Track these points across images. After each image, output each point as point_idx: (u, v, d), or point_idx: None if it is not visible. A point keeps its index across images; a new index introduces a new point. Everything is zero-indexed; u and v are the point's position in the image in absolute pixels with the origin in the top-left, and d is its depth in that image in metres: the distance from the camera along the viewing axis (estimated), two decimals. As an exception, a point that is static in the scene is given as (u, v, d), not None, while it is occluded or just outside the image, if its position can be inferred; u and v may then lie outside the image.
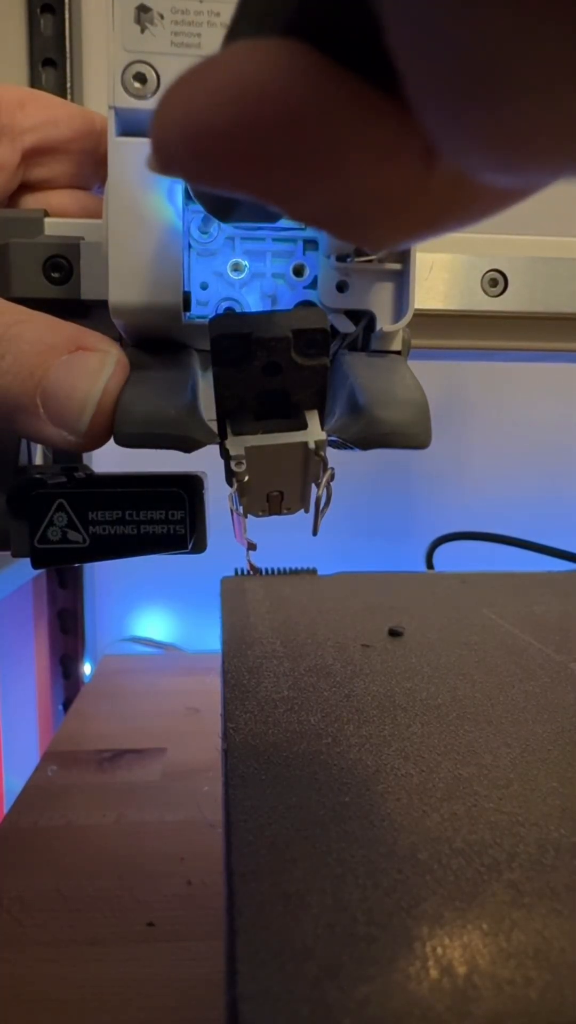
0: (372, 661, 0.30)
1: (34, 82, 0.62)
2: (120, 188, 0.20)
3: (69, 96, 0.62)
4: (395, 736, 0.23)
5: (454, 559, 0.59)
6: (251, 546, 0.22)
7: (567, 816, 0.19)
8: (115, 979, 0.27)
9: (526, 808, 0.19)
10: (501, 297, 0.31)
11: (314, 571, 0.47)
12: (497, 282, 0.31)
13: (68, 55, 0.62)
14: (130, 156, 0.20)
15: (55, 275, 0.27)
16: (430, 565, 0.60)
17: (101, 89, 0.65)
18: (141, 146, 0.20)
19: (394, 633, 0.34)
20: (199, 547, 0.25)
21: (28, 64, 0.62)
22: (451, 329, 0.32)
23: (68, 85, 0.62)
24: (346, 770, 0.21)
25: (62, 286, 0.27)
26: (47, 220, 0.27)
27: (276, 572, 0.46)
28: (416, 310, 0.24)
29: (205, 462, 0.24)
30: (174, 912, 0.30)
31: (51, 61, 0.62)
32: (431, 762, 0.21)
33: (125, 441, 0.20)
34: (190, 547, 0.25)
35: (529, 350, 0.33)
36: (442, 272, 0.30)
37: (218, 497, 0.26)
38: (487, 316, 0.31)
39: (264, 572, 0.46)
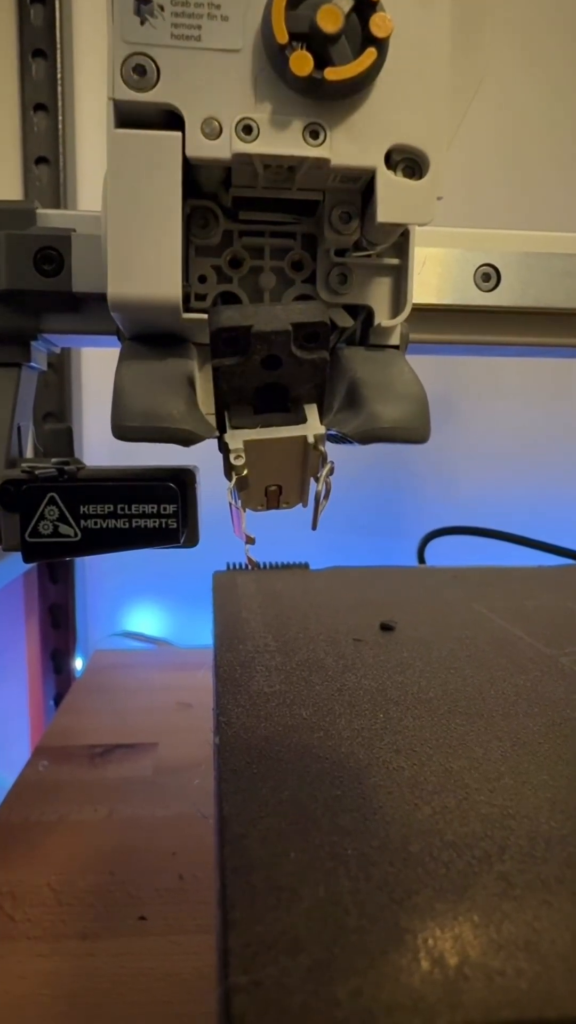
0: (364, 655, 0.30)
1: (24, 72, 0.61)
2: (119, 181, 0.20)
3: (59, 86, 0.62)
4: (387, 730, 0.23)
5: (446, 554, 0.60)
6: (250, 540, 0.22)
7: (557, 809, 0.19)
8: (107, 973, 0.27)
9: (517, 801, 0.19)
10: (494, 292, 0.31)
11: (306, 565, 0.47)
12: (490, 277, 0.31)
13: (58, 46, 0.61)
14: (129, 148, 0.20)
15: (46, 267, 0.27)
16: (422, 560, 0.60)
17: (91, 80, 0.65)
18: (140, 138, 0.20)
19: (386, 627, 0.34)
20: (191, 541, 0.25)
21: (18, 55, 0.62)
22: (443, 323, 0.32)
23: (58, 76, 0.61)
24: (338, 764, 0.21)
25: (53, 278, 0.27)
26: (39, 212, 0.27)
27: (268, 566, 0.46)
28: (410, 304, 0.24)
29: (197, 456, 0.24)
30: (166, 906, 0.30)
31: (41, 52, 0.62)
32: (422, 755, 0.21)
33: (124, 435, 0.19)
34: (182, 541, 0.25)
35: (521, 345, 0.33)
36: (435, 267, 0.30)
37: (210, 491, 0.26)
38: (480, 311, 0.31)
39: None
